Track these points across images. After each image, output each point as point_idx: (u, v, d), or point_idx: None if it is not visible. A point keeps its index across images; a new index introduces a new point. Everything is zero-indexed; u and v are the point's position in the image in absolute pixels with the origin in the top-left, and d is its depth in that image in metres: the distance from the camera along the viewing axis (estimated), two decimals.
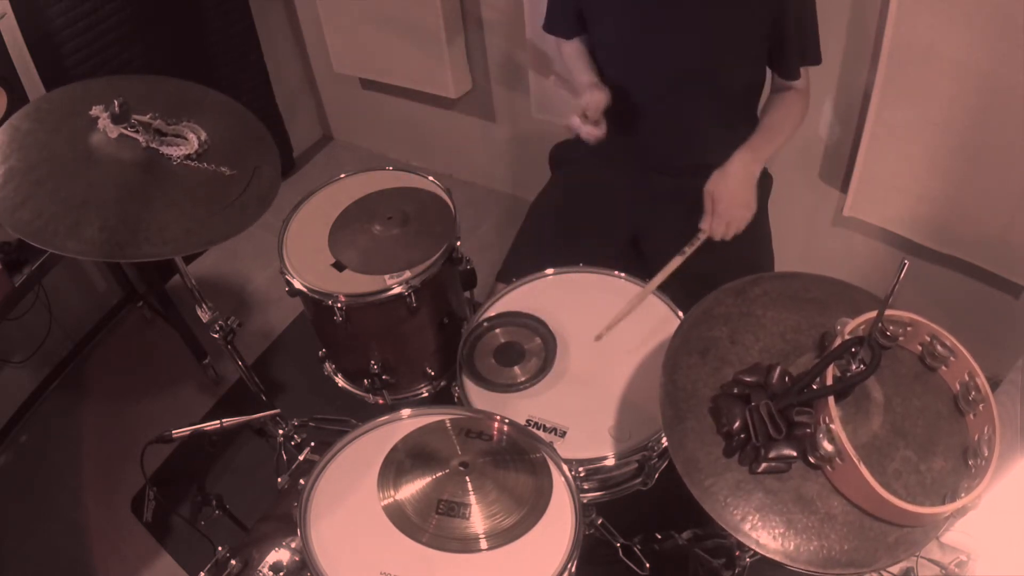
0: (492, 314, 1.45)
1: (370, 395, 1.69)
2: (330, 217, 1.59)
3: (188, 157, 1.30)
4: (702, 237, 1.43)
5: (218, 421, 1.38)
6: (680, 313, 1.40)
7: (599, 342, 1.39)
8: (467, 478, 1.13)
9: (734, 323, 1.02)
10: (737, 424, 0.89)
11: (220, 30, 2.52)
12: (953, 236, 1.80)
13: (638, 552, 1.46)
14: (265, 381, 1.83)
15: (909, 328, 0.95)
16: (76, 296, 2.42)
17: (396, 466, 1.16)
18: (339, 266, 1.51)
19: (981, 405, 0.90)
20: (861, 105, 1.80)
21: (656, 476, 1.29)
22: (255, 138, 1.40)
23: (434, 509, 1.09)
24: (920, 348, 0.96)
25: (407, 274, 1.47)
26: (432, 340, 1.64)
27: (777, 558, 0.85)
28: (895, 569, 1.45)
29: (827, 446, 0.85)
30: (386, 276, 1.47)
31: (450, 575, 1.04)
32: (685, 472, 0.90)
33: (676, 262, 1.42)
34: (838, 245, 2.11)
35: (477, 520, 1.08)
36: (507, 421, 1.21)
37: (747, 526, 0.86)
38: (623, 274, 1.49)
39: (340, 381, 1.76)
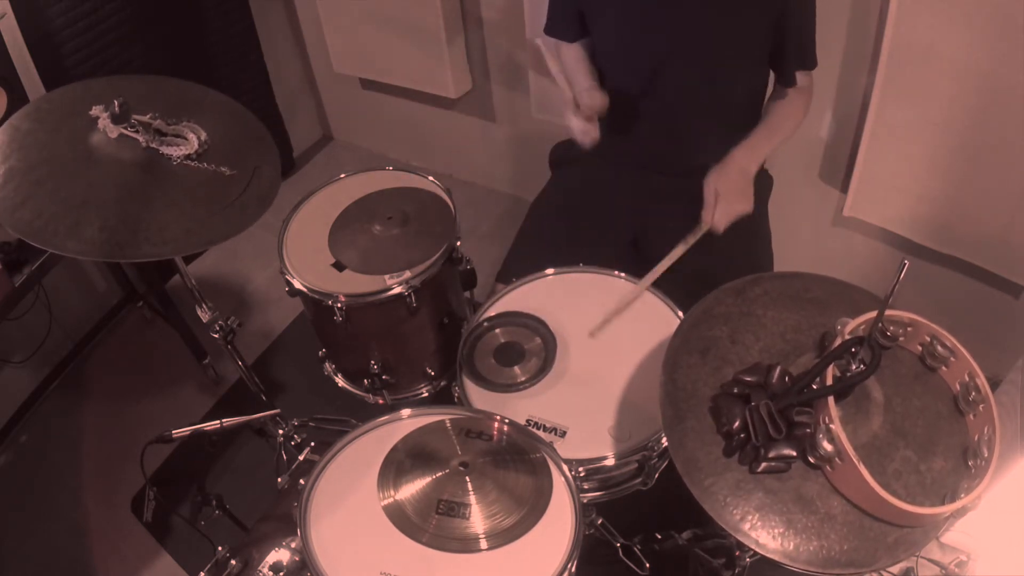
0: (492, 314, 1.45)
1: (370, 395, 1.69)
2: (330, 217, 1.59)
3: (188, 157, 1.30)
4: (703, 228, 1.43)
5: (218, 421, 1.38)
6: (680, 313, 1.40)
7: (600, 341, 1.39)
8: (467, 478, 1.13)
9: (734, 323, 1.02)
10: (737, 424, 0.89)
11: (220, 30, 2.52)
12: (953, 236, 1.80)
13: (638, 552, 1.45)
14: (265, 381, 1.83)
15: (909, 328, 0.95)
16: (76, 296, 2.42)
17: (396, 466, 1.16)
18: (339, 266, 1.51)
19: (981, 405, 0.90)
20: (861, 105, 1.80)
21: (656, 476, 1.29)
22: (255, 138, 1.40)
23: (434, 509, 1.09)
24: (920, 348, 0.96)
25: (407, 274, 1.47)
26: (432, 340, 1.64)
27: (777, 558, 0.84)
28: (895, 569, 1.45)
29: (827, 446, 0.85)
30: (386, 276, 1.47)
31: (450, 575, 1.04)
32: (685, 472, 0.90)
33: (678, 251, 1.43)
34: (838, 245, 2.11)
35: (477, 520, 1.08)
36: (507, 421, 1.21)
37: (747, 526, 0.86)
38: (623, 274, 1.49)
39: (340, 381, 1.76)
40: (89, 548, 1.97)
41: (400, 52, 2.49)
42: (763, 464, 0.87)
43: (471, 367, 1.37)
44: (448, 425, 1.22)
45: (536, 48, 1.64)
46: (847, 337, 0.89)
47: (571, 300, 1.46)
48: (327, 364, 1.77)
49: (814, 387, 0.89)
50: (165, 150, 1.29)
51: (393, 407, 1.38)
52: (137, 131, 1.27)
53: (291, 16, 2.82)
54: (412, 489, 1.13)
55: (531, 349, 1.39)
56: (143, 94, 1.35)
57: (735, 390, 0.93)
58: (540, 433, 1.25)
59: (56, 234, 1.15)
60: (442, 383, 1.71)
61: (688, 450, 0.91)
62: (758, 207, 1.64)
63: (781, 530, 0.85)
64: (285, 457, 1.69)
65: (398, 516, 1.10)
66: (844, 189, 1.96)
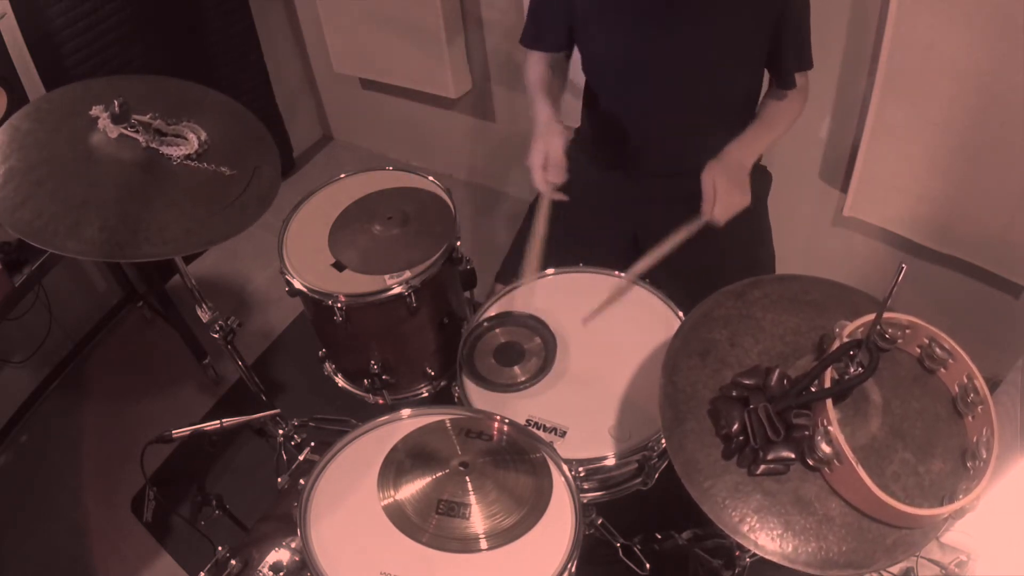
0: (492, 314, 1.45)
1: (370, 395, 1.69)
2: (330, 217, 1.59)
3: (188, 157, 1.30)
4: (702, 220, 1.41)
5: (218, 421, 1.38)
6: (680, 314, 1.40)
7: (600, 342, 1.39)
8: (467, 478, 1.13)
9: (734, 325, 1.02)
10: (736, 426, 0.89)
11: (220, 30, 2.52)
12: (953, 236, 1.81)
13: (638, 552, 1.46)
14: (265, 381, 1.83)
15: (907, 330, 0.95)
16: (76, 296, 2.42)
17: (396, 466, 1.16)
18: (339, 266, 1.52)
19: (980, 407, 0.90)
20: (861, 105, 1.80)
21: (656, 476, 1.29)
22: (255, 138, 1.40)
23: (434, 509, 1.09)
24: (919, 350, 0.97)
25: (407, 274, 1.47)
26: (432, 340, 1.64)
27: (775, 559, 0.85)
28: (895, 569, 1.45)
29: (825, 448, 0.85)
30: (386, 276, 1.47)
31: (450, 575, 1.04)
32: (684, 474, 0.90)
33: (674, 240, 1.40)
34: (838, 245, 2.11)
35: (477, 520, 1.08)
36: (507, 421, 1.22)
37: (746, 527, 0.86)
38: (623, 274, 1.49)
39: (340, 381, 1.76)
40: (89, 548, 1.97)
41: (400, 52, 2.49)
42: (762, 466, 0.87)
43: (471, 367, 1.37)
44: (448, 425, 1.22)
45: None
46: (845, 340, 0.89)
47: (571, 300, 1.46)
48: (327, 364, 1.77)
49: (813, 389, 0.89)
50: (165, 150, 1.29)
51: (393, 407, 1.38)
52: (137, 131, 1.27)
53: (291, 16, 2.82)
54: (412, 489, 1.13)
55: (531, 349, 1.39)
56: (143, 94, 1.35)
57: (734, 392, 0.93)
58: (540, 433, 1.25)
59: (56, 234, 1.15)
60: (442, 383, 1.71)
61: (687, 452, 0.91)
62: (758, 204, 1.64)
63: (780, 531, 0.85)
64: (285, 457, 1.69)
65: (398, 516, 1.10)
66: (844, 189, 1.96)
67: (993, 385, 1.61)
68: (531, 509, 1.10)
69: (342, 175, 1.70)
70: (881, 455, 0.89)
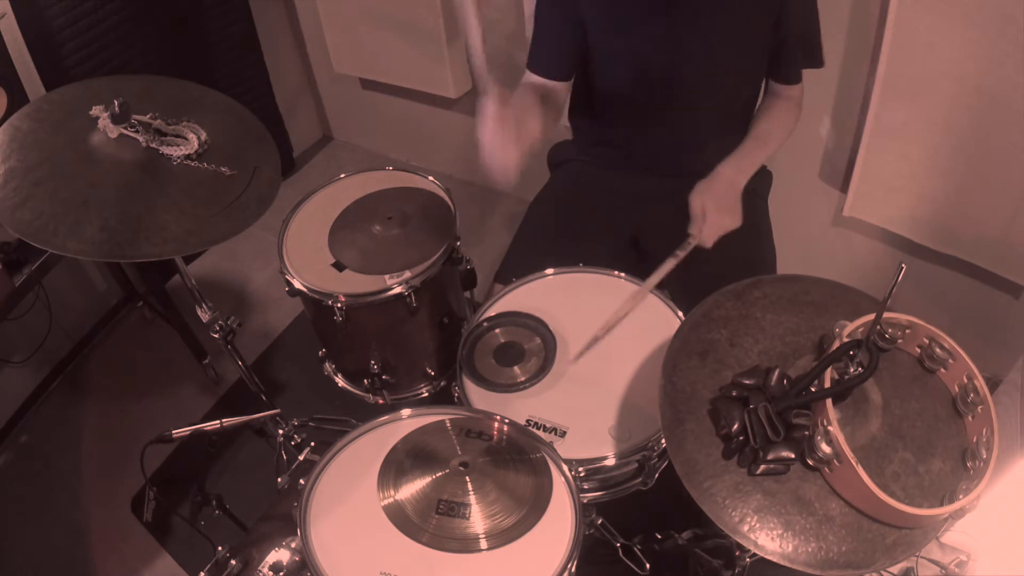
0: (492, 314, 1.45)
1: (370, 395, 1.69)
2: (330, 217, 1.59)
3: (188, 157, 1.30)
4: (692, 243, 1.41)
5: (218, 421, 1.38)
6: (680, 314, 1.40)
7: (600, 342, 1.39)
8: (467, 478, 1.13)
9: (733, 325, 1.02)
10: (736, 426, 0.89)
11: (220, 30, 2.52)
12: (953, 236, 1.81)
13: (638, 552, 1.46)
14: (265, 381, 1.83)
15: (907, 330, 0.95)
16: (76, 296, 2.42)
17: (396, 466, 1.16)
18: (339, 266, 1.52)
19: (980, 407, 0.90)
20: (861, 105, 1.80)
21: (656, 476, 1.29)
22: (255, 138, 1.40)
23: (434, 509, 1.10)
24: (919, 350, 0.97)
25: (407, 274, 1.47)
26: (432, 340, 1.64)
27: (775, 559, 0.85)
28: (895, 569, 1.45)
29: (825, 448, 0.85)
30: (386, 276, 1.48)
31: (450, 575, 1.04)
32: (684, 474, 0.90)
33: (668, 265, 1.40)
34: (838, 245, 2.11)
35: (477, 520, 1.08)
36: (507, 421, 1.22)
37: (745, 527, 0.86)
38: (623, 274, 1.49)
39: (340, 381, 1.76)
40: (89, 548, 1.97)
41: (400, 52, 2.49)
42: (762, 466, 0.87)
43: (471, 367, 1.37)
44: (448, 425, 1.22)
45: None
46: (845, 340, 0.89)
47: (571, 300, 1.46)
48: (327, 364, 1.77)
49: (812, 389, 0.89)
50: (165, 150, 1.29)
51: (393, 407, 1.38)
52: (137, 131, 1.28)
53: (291, 16, 2.82)
54: (412, 489, 1.13)
55: (531, 349, 1.39)
56: (143, 94, 1.35)
57: (734, 393, 0.93)
58: (540, 433, 1.25)
59: (56, 234, 1.15)
60: (442, 383, 1.71)
61: (687, 452, 0.91)
62: (758, 202, 1.65)
63: (780, 531, 0.85)
64: (285, 457, 1.70)
65: (398, 516, 1.10)
66: (844, 189, 1.96)
67: (993, 385, 1.61)
68: (531, 509, 1.10)
69: (342, 175, 1.70)
70: (881, 455, 0.89)
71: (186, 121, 1.34)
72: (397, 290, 1.46)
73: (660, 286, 1.47)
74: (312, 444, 1.64)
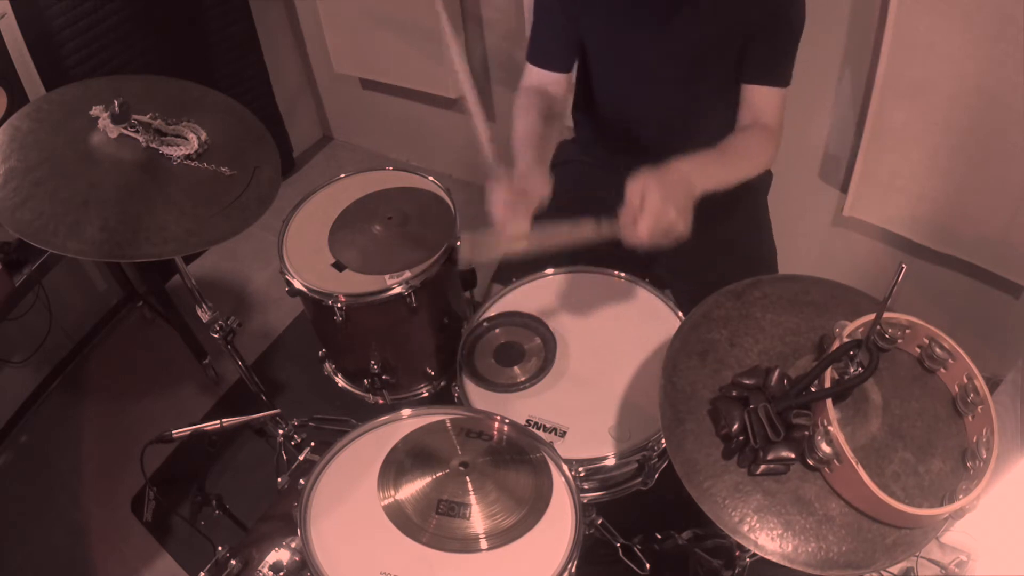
0: (492, 314, 1.45)
1: (370, 395, 1.69)
2: (330, 217, 1.59)
3: (188, 157, 1.30)
4: (615, 230, 1.16)
5: (218, 421, 1.38)
6: (680, 314, 1.40)
7: (600, 341, 1.39)
8: (467, 478, 1.13)
9: (733, 325, 1.02)
10: (736, 426, 0.89)
11: (220, 30, 2.52)
12: (953, 236, 1.81)
13: (638, 552, 1.46)
14: (265, 381, 1.83)
15: (907, 330, 0.95)
16: (76, 296, 2.42)
17: (396, 466, 1.16)
18: (339, 266, 1.52)
19: (980, 407, 0.90)
20: (861, 105, 1.80)
21: (656, 476, 1.29)
22: (255, 138, 1.40)
23: (434, 509, 1.10)
24: (919, 350, 0.97)
25: (407, 274, 1.47)
26: (432, 340, 1.64)
27: (775, 559, 0.85)
28: (895, 569, 1.45)
29: (825, 448, 0.85)
30: (386, 276, 1.47)
31: (450, 575, 1.04)
32: (684, 474, 0.90)
33: (581, 231, 1.19)
34: (838, 245, 2.11)
35: (477, 520, 1.09)
36: (507, 421, 1.22)
37: (745, 527, 0.86)
38: (623, 274, 1.49)
39: (340, 381, 1.76)
40: (89, 548, 1.97)
41: (400, 52, 2.49)
42: (762, 466, 0.87)
43: (471, 367, 1.37)
44: (448, 425, 1.22)
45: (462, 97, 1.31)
46: (845, 340, 0.89)
47: (571, 300, 1.46)
48: (327, 364, 1.77)
49: (812, 389, 0.89)
50: (165, 150, 1.29)
51: (393, 407, 1.38)
52: (137, 131, 1.28)
53: (291, 16, 2.82)
54: (412, 489, 1.13)
55: (531, 349, 1.39)
56: (143, 94, 1.35)
57: (734, 393, 0.93)
58: (540, 433, 1.25)
59: (56, 234, 1.15)
60: (442, 383, 1.71)
61: (687, 452, 0.91)
62: (758, 200, 1.64)
63: (780, 531, 0.86)
64: (285, 457, 1.69)
65: (398, 516, 1.10)
66: (844, 189, 1.96)
67: (993, 385, 1.61)
68: (531, 509, 1.10)
69: (342, 175, 1.70)
70: (881, 455, 0.89)
71: (186, 121, 1.34)
72: (397, 290, 1.46)
73: (659, 286, 1.47)
74: (312, 444, 1.64)
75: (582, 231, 1.17)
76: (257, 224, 1.27)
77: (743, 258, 1.57)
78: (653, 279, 1.47)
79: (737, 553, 1.25)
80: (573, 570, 1.06)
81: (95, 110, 1.28)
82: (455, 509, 1.09)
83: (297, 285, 1.50)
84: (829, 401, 0.85)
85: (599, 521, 1.45)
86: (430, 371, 1.68)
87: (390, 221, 1.54)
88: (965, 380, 0.92)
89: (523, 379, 1.34)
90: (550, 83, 1.50)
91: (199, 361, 2.29)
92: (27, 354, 2.21)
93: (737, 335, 1.01)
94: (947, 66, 1.57)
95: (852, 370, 0.87)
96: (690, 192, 1.14)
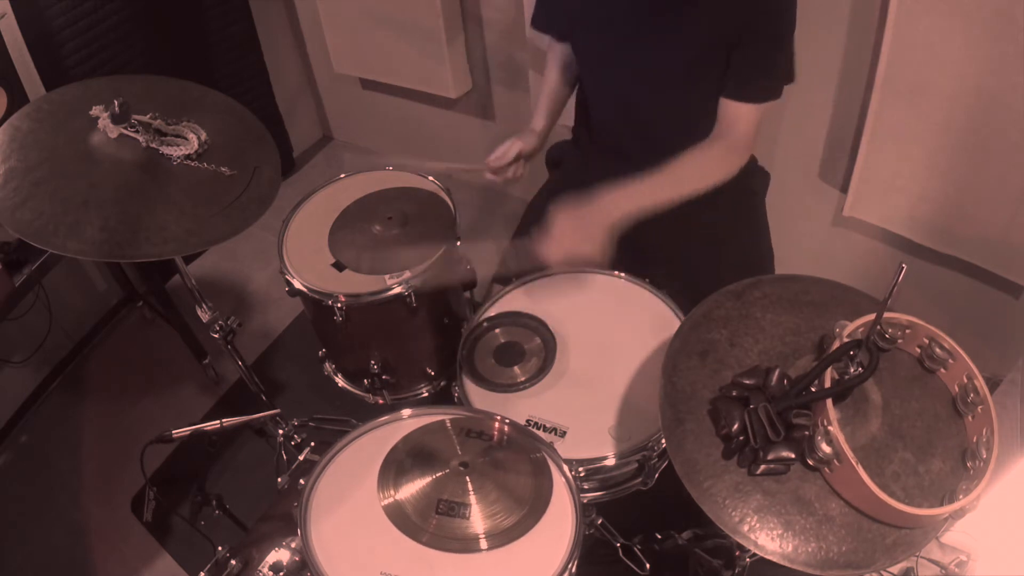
0: (492, 314, 1.45)
1: (370, 395, 1.69)
2: (330, 217, 1.59)
3: (188, 157, 1.30)
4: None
5: (218, 421, 1.38)
6: (680, 314, 1.40)
7: (600, 341, 1.39)
8: (467, 478, 1.13)
9: (733, 325, 1.02)
10: (736, 426, 0.89)
11: (220, 30, 2.52)
12: (953, 236, 1.81)
13: (638, 552, 1.46)
14: (265, 381, 1.83)
15: (907, 330, 0.95)
16: (76, 296, 2.42)
17: (396, 466, 1.16)
18: (339, 266, 1.52)
19: (980, 407, 0.90)
20: (861, 105, 1.80)
21: (656, 476, 1.29)
22: (255, 138, 1.40)
23: (434, 509, 1.10)
24: (919, 350, 0.97)
25: (407, 274, 1.47)
26: (432, 340, 1.64)
27: (775, 559, 0.85)
28: (895, 569, 1.45)
29: (825, 448, 0.85)
30: (386, 276, 1.48)
31: (450, 575, 1.04)
32: (684, 474, 0.90)
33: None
34: (838, 245, 2.11)
35: (477, 520, 1.09)
36: (507, 421, 1.22)
37: (746, 527, 0.86)
38: (623, 274, 1.49)
39: (340, 381, 1.76)
40: (89, 548, 1.97)
41: (400, 52, 2.49)
42: (762, 466, 0.87)
43: (471, 367, 1.37)
44: (448, 425, 1.22)
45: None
46: (845, 340, 0.89)
47: (571, 300, 1.46)
48: (327, 364, 1.77)
49: (813, 389, 0.89)
50: (165, 150, 1.29)
51: (393, 407, 1.38)
52: (137, 131, 1.27)
53: (291, 16, 2.82)
54: (412, 489, 1.13)
55: (531, 349, 1.39)
56: (143, 94, 1.35)
57: (734, 393, 0.93)
58: (540, 433, 1.25)
59: (56, 234, 1.15)
60: (442, 383, 1.71)
61: (687, 452, 0.91)
62: (755, 202, 1.64)
63: (780, 531, 0.85)
64: (285, 457, 1.70)
65: (398, 516, 1.10)
66: (844, 189, 1.96)
67: (993, 385, 1.61)
68: (531, 509, 1.10)
69: (342, 175, 1.70)
70: (881, 455, 0.89)
71: (186, 121, 1.34)
72: (397, 290, 1.46)
73: (659, 286, 1.47)
74: (312, 444, 1.64)
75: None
76: (257, 224, 1.27)
77: (741, 261, 1.57)
78: (653, 279, 1.47)
79: (737, 553, 1.25)
80: (573, 570, 1.06)
81: (95, 110, 1.28)
82: (455, 509, 1.09)
83: (297, 285, 1.50)
84: (829, 401, 0.85)
85: (599, 521, 1.45)
86: (430, 371, 1.69)
87: (390, 221, 1.54)
88: (965, 380, 0.92)
89: (523, 379, 1.34)
90: (564, 57, 1.57)
91: (199, 361, 2.29)
92: (27, 354, 2.21)
93: (737, 335, 1.01)
94: (947, 66, 1.57)
95: (852, 370, 0.87)
96: (605, 221, 1.24)
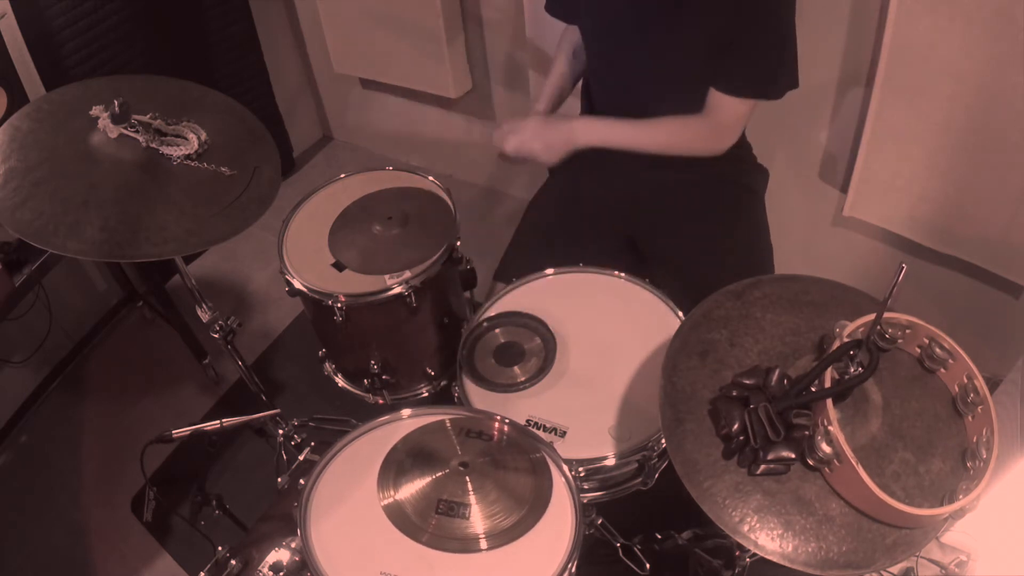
0: (492, 314, 1.45)
1: (370, 395, 1.69)
2: (330, 217, 1.59)
3: (188, 157, 1.30)
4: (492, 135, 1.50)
5: (218, 421, 1.38)
6: (680, 314, 1.40)
7: (600, 341, 1.39)
8: (467, 478, 1.13)
9: (733, 325, 1.02)
10: (736, 426, 0.89)
11: (220, 30, 2.52)
12: (953, 236, 1.81)
13: (638, 552, 1.46)
14: (265, 381, 1.83)
15: (908, 330, 0.95)
16: (76, 296, 2.42)
17: (396, 466, 1.16)
18: (339, 266, 1.52)
19: (980, 407, 0.90)
20: (861, 105, 1.80)
21: (656, 476, 1.29)
22: (255, 138, 1.40)
23: (434, 509, 1.10)
24: (919, 350, 0.97)
25: (407, 274, 1.47)
26: (432, 340, 1.64)
27: (775, 559, 0.85)
28: (895, 569, 1.45)
29: (825, 448, 0.85)
30: (386, 276, 1.48)
31: (450, 575, 1.04)
32: (684, 474, 0.90)
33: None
34: (838, 245, 2.11)
35: (477, 520, 1.08)
36: (507, 421, 1.22)
37: (746, 527, 0.86)
38: (623, 274, 1.49)
39: (340, 381, 1.76)
40: (89, 548, 1.97)
41: (400, 52, 2.49)
42: (762, 466, 0.87)
43: (471, 367, 1.37)
44: (448, 425, 1.22)
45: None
46: (845, 340, 0.89)
47: (571, 300, 1.46)
48: (327, 364, 1.77)
49: (813, 389, 0.89)
50: (165, 150, 1.29)
51: (393, 407, 1.38)
52: (137, 131, 1.27)
53: (291, 16, 2.82)
54: (412, 489, 1.13)
55: (531, 349, 1.39)
56: (143, 94, 1.35)
57: (734, 393, 0.93)
58: (540, 433, 1.25)
59: (56, 234, 1.15)
60: (442, 383, 1.71)
61: (687, 452, 0.91)
62: (754, 201, 1.65)
63: (780, 531, 0.85)
64: (285, 457, 1.69)
65: (398, 516, 1.10)
66: (844, 189, 1.96)
67: (993, 385, 1.61)
68: (531, 509, 1.10)
69: (342, 175, 1.70)
70: (881, 455, 0.89)
71: (186, 121, 1.33)
72: (397, 290, 1.46)
73: (659, 286, 1.47)
74: (312, 444, 1.64)
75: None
76: (257, 224, 1.27)
77: (741, 261, 1.57)
78: (653, 279, 1.47)
79: (737, 553, 1.25)
80: (573, 570, 1.06)
81: (95, 110, 1.28)
82: (455, 509, 1.09)
83: (297, 285, 1.50)
84: (829, 401, 0.85)
85: (599, 521, 1.44)
86: (430, 371, 1.68)
87: (390, 221, 1.54)
88: (965, 380, 0.92)
89: (523, 379, 1.34)
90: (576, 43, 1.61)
91: (199, 361, 2.29)
92: (27, 354, 2.21)
93: (737, 335, 1.01)
94: (947, 66, 1.57)
95: (852, 370, 0.87)
96: (568, 140, 1.45)
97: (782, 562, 0.84)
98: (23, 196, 1.17)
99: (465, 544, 1.06)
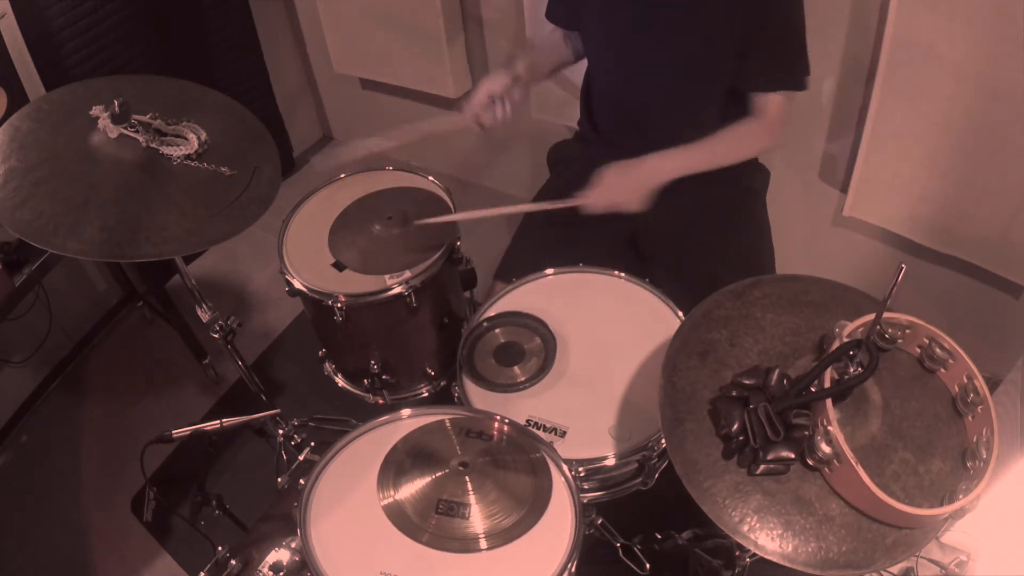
0: (492, 314, 1.45)
1: (370, 395, 1.69)
2: (330, 217, 1.59)
3: (188, 157, 1.30)
4: (578, 202, 1.44)
5: (218, 421, 1.38)
6: (680, 314, 1.40)
7: (600, 341, 1.39)
8: (467, 478, 1.13)
9: (733, 325, 1.02)
10: (736, 426, 0.89)
11: (220, 30, 2.52)
12: (953, 236, 1.81)
13: (638, 552, 1.46)
14: (265, 381, 1.83)
15: (907, 330, 0.95)
16: (76, 296, 2.42)
17: (396, 466, 1.16)
18: (339, 266, 1.52)
19: (980, 407, 0.90)
20: (861, 105, 1.80)
21: (656, 476, 1.29)
22: (255, 138, 1.40)
23: (434, 509, 1.10)
24: (919, 350, 0.97)
25: (407, 274, 1.47)
26: (432, 340, 1.64)
27: (775, 559, 0.85)
28: (895, 569, 1.45)
29: (825, 448, 0.85)
30: (386, 276, 1.48)
31: (450, 575, 1.04)
32: (684, 474, 0.90)
33: (544, 205, 1.47)
34: (838, 245, 2.11)
35: (477, 520, 1.09)
36: (507, 421, 1.22)
37: (745, 527, 0.86)
38: (623, 274, 1.49)
39: (340, 381, 1.76)
40: (89, 548, 1.97)
41: (400, 52, 2.49)
42: (762, 466, 0.87)
43: (471, 367, 1.37)
44: (448, 425, 1.22)
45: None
46: (845, 340, 0.89)
47: (571, 300, 1.46)
48: (327, 364, 1.77)
49: (812, 389, 0.89)
50: (165, 150, 1.29)
51: (393, 407, 1.38)
52: (137, 131, 1.27)
53: (291, 16, 2.82)
54: (412, 489, 1.13)
55: (531, 349, 1.39)
56: (143, 94, 1.35)
57: (734, 393, 0.93)
58: (540, 433, 1.25)
59: (56, 234, 1.15)
60: (442, 383, 1.71)
61: (687, 452, 0.91)
62: (755, 200, 1.64)
63: (780, 531, 0.85)
64: (285, 457, 1.70)
65: (398, 516, 1.10)
66: (844, 189, 1.96)
67: (993, 385, 1.61)
68: (531, 509, 1.10)
69: (342, 175, 1.70)
70: (881, 455, 0.89)
71: (186, 121, 1.33)
72: (397, 290, 1.46)
73: (659, 286, 1.47)
74: (312, 444, 1.64)
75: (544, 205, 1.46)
76: (257, 224, 1.27)
77: (741, 261, 1.57)
78: (653, 279, 1.47)
79: (737, 553, 1.25)
80: (573, 570, 1.06)
81: (95, 110, 1.28)
82: (455, 509, 1.09)
83: (297, 285, 1.50)
84: (829, 401, 0.85)
85: (599, 521, 1.45)
86: (430, 371, 1.69)
87: (390, 221, 1.54)
88: (965, 380, 0.92)
89: (523, 379, 1.34)
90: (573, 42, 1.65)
91: (199, 361, 2.29)
92: (27, 354, 2.21)
93: (737, 335, 1.01)
94: (947, 66, 1.57)
95: (852, 370, 0.87)
96: (649, 179, 1.42)
97: (782, 562, 0.84)
98: (23, 196, 1.17)
99: (465, 544, 1.06)
